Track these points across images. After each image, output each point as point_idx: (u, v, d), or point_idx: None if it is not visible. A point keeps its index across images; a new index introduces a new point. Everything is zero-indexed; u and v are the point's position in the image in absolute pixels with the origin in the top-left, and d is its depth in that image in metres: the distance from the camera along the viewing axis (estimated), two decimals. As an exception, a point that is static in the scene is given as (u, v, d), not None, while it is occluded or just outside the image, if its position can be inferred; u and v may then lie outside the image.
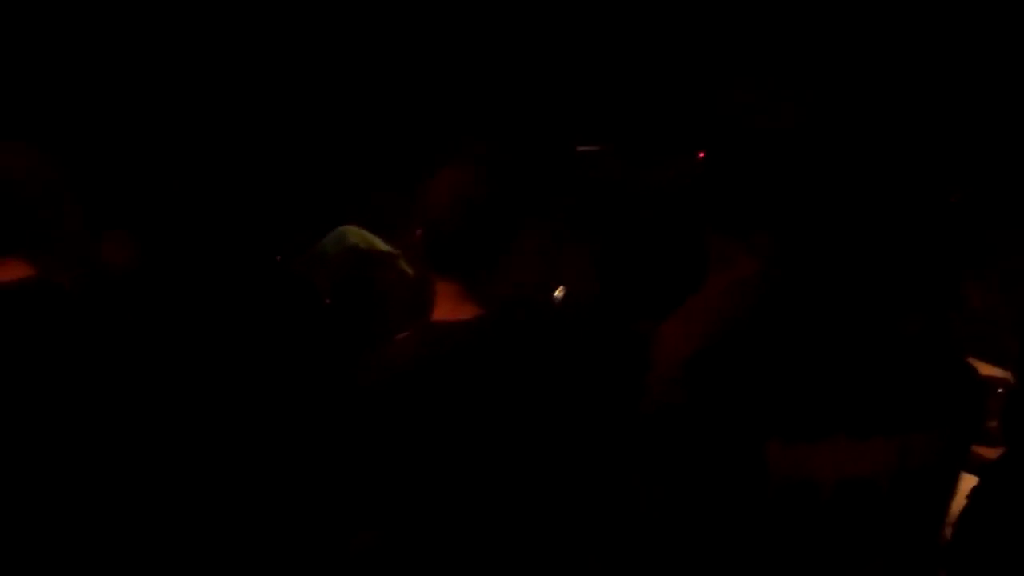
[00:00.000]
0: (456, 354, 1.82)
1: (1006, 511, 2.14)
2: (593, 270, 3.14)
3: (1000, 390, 3.83)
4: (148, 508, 2.16)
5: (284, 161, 4.86)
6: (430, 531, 1.79)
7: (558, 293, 2.99)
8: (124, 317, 2.42)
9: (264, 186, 4.12)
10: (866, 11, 4.83)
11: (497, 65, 5.17)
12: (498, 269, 1.88)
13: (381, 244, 3.93)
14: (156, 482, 2.21)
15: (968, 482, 2.09)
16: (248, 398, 2.84)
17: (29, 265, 2.18)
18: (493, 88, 5.13)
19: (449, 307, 1.88)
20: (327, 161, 5.04)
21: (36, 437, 2.07)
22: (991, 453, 3.20)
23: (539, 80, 5.18)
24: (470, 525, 1.79)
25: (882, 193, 1.84)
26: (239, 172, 3.73)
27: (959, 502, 2.08)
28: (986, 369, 4.47)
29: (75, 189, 2.29)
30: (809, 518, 1.69)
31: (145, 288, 2.95)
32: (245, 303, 3.20)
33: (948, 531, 2.00)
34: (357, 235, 3.97)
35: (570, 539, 1.79)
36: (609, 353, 1.93)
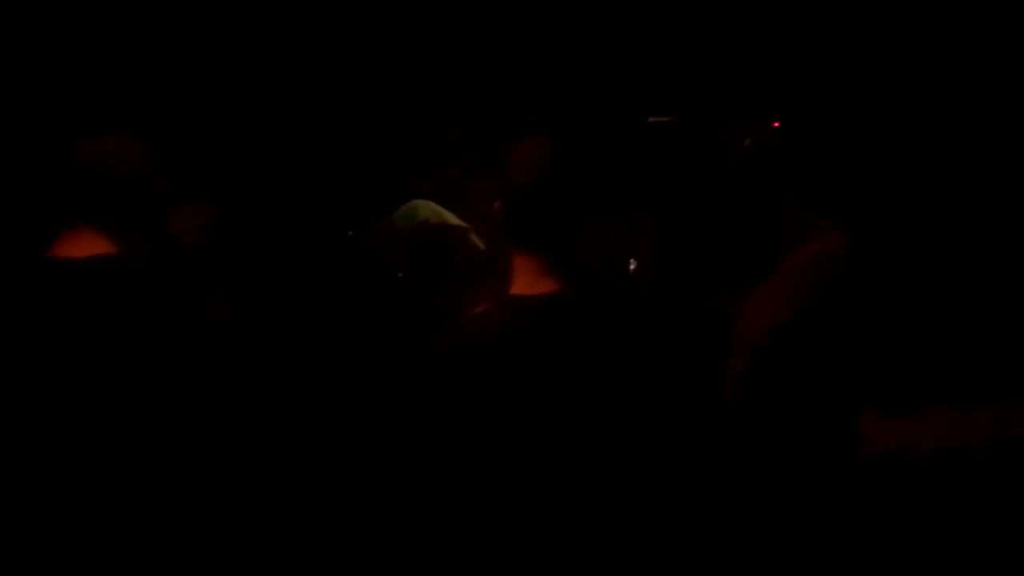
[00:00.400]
0: (534, 329, 1.80)
1: None
2: (666, 243, 3.11)
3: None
4: (213, 478, 2.18)
5: (357, 135, 4.86)
6: (507, 507, 1.77)
7: (631, 266, 2.96)
8: (195, 292, 2.43)
9: (337, 160, 4.13)
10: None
11: (570, 36, 5.13)
12: (578, 243, 1.85)
13: (452, 218, 3.93)
14: (228, 449, 2.22)
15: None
16: (320, 372, 2.85)
17: (101, 239, 2.19)
18: (566, 60, 5.09)
19: (528, 281, 1.86)
20: (399, 134, 5.04)
21: (102, 407, 2.08)
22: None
23: (610, 50, 5.13)
24: (547, 499, 1.77)
25: (970, 154, 1.79)
26: (313, 147, 3.74)
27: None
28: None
29: (159, 166, 2.31)
30: (903, 491, 1.66)
31: (218, 263, 2.97)
32: (317, 277, 3.21)
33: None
34: (428, 209, 3.96)
35: (657, 503, 1.77)
36: (687, 328, 1.91)
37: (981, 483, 1.70)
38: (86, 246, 2.19)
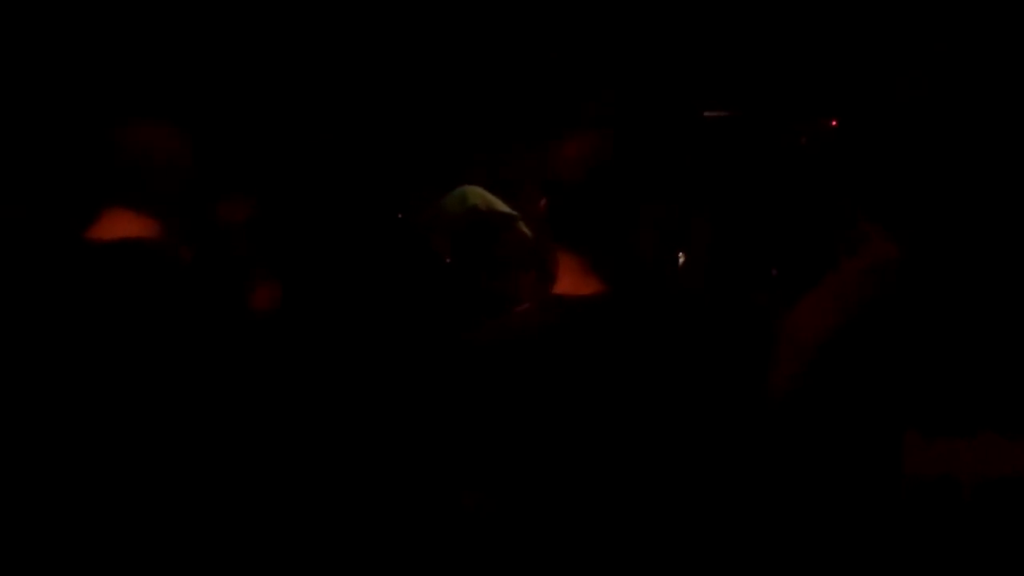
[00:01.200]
0: (578, 330, 1.78)
1: None
2: (716, 240, 3.08)
3: None
4: (252, 460, 2.18)
5: (410, 120, 4.86)
6: (535, 498, 1.76)
7: (680, 263, 2.94)
8: (236, 281, 2.44)
9: (389, 144, 4.14)
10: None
11: (626, 28, 5.10)
12: (624, 242, 1.82)
13: (501, 205, 3.92)
14: (269, 431, 2.23)
15: None
16: (368, 354, 2.86)
17: (139, 223, 2.19)
18: (621, 52, 5.06)
19: (572, 281, 1.83)
20: (450, 120, 5.03)
21: (135, 390, 2.08)
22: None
23: (666, 43, 5.10)
24: (581, 500, 1.76)
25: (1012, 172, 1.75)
26: (366, 131, 3.74)
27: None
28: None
29: (196, 155, 2.31)
30: (947, 518, 1.62)
31: (264, 249, 2.98)
32: (367, 260, 3.21)
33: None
34: (478, 195, 3.95)
35: (682, 524, 1.75)
36: (732, 329, 1.88)
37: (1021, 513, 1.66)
38: (122, 228, 2.20)
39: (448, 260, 3.79)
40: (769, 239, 3.52)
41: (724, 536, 1.72)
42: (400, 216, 3.86)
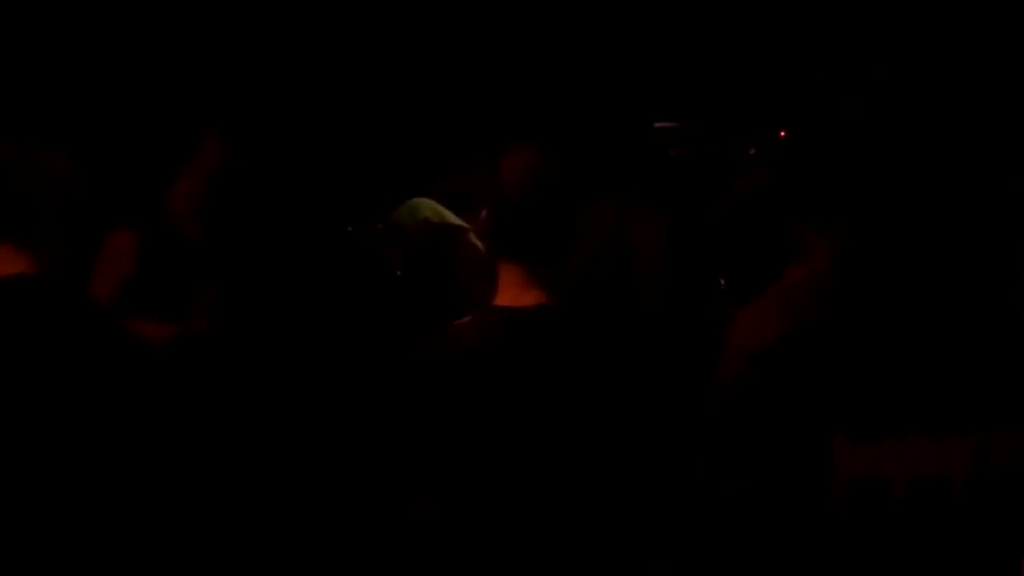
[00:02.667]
0: (517, 342, 1.77)
1: None
2: (667, 250, 3.09)
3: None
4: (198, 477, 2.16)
5: (357, 133, 4.85)
6: (483, 508, 1.75)
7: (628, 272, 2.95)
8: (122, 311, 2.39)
9: (337, 157, 4.12)
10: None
11: (572, 41, 5.12)
12: (566, 254, 1.82)
13: (453, 217, 3.91)
14: (209, 454, 2.21)
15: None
16: (318, 368, 2.84)
17: (20, 258, 2.14)
18: (568, 65, 5.08)
19: (513, 293, 1.83)
20: (400, 133, 5.03)
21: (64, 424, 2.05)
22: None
23: (615, 56, 5.12)
24: (523, 511, 1.75)
25: (961, 180, 1.77)
26: (312, 144, 3.72)
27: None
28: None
29: (86, 185, 2.27)
30: (879, 519, 1.63)
31: (219, 265, 2.95)
32: (317, 274, 3.19)
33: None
34: (430, 208, 3.95)
35: (622, 526, 1.75)
36: (680, 340, 1.89)
37: (958, 513, 1.67)
38: (5, 263, 2.14)
39: (400, 272, 3.78)
40: (719, 249, 3.54)
41: (669, 539, 1.72)
42: (350, 229, 3.84)
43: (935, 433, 1.65)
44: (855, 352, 1.65)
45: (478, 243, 3.74)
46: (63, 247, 2.18)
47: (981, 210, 1.74)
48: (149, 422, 2.08)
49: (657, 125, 4.41)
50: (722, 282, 3.30)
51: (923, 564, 1.67)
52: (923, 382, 1.66)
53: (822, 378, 1.63)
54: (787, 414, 1.61)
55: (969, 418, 1.67)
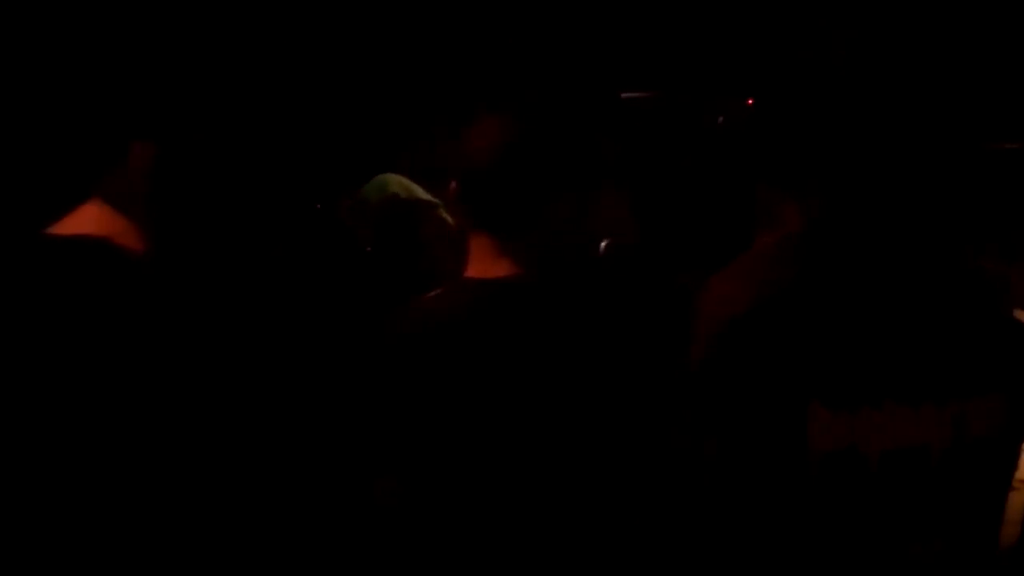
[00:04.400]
0: (490, 314, 1.75)
1: None
2: (636, 220, 3.08)
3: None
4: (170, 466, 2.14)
5: (324, 109, 4.81)
6: (450, 483, 1.74)
7: (603, 245, 2.94)
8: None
9: (304, 133, 4.08)
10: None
11: (541, 9, 5.08)
12: (537, 224, 1.80)
13: (422, 193, 3.89)
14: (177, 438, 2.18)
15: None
16: (283, 347, 2.82)
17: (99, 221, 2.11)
18: (536, 33, 5.05)
19: (484, 264, 1.81)
20: (367, 107, 4.99)
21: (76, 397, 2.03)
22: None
23: (583, 23, 5.09)
24: (493, 490, 1.74)
25: (934, 144, 1.76)
26: (278, 121, 3.69)
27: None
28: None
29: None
30: (855, 490, 1.61)
31: (177, 241, 2.92)
32: (285, 251, 3.17)
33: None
34: (398, 183, 3.92)
35: (596, 505, 1.74)
36: (652, 309, 1.87)
37: (936, 482, 1.66)
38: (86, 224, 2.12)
39: (369, 249, 3.75)
40: (690, 218, 3.53)
41: (640, 514, 1.71)
42: (318, 206, 3.81)
43: (911, 402, 1.63)
44: (829, 319, 1.64)
45: (448, 217, 3.72)
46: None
47: (956, 171, 1.73)
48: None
49: (624, 95, 4.39)
50: (695, 250, 3.29)
51: (900, 535, 1.66)
52: (898, 350, 1.64)
53: (794, 346, 1.61)
54: (759, 383, 1.59)
55: (946, 386, 1.66)
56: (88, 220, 2.08)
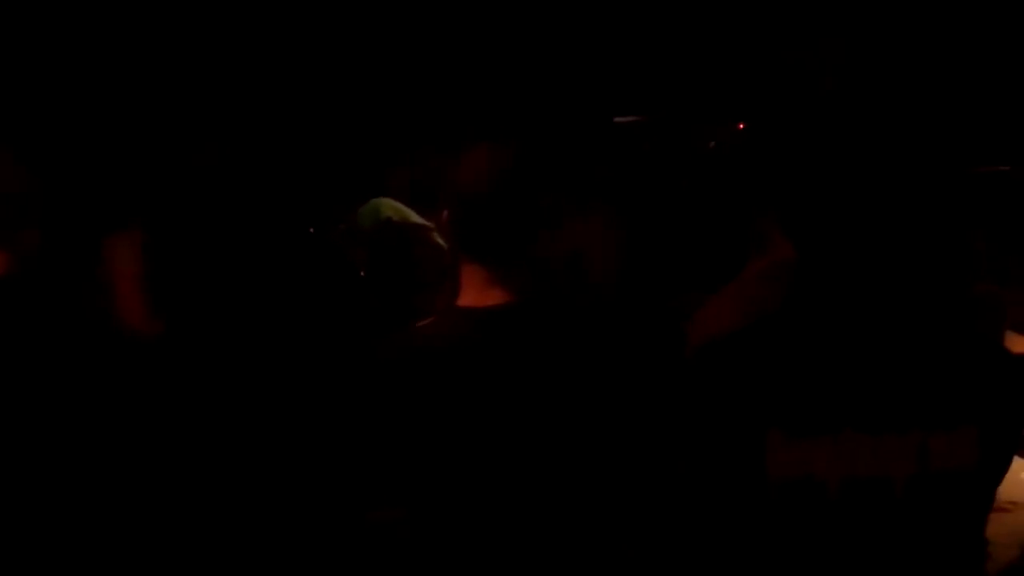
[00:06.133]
0: (482, 342, 1.76)
1: None
2: (628, 246, 3.09)
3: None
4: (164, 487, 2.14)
5: (318, 134, 4.82)
6: (451, 511, 1.74)
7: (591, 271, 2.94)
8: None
9: (298, 158, 4.09)
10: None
11: (534, 36, 5.11)
12: (529, 254, 1.80)
13: (415, 217, 3.90)
14: (173, 459, 2.19)
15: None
16: (281, 372, 2.82)
17: None
18: (530, 59, 5.07)
19: (476, 293, 1.81)
20: (361, 133, 5.00)
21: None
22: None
23: (577, 50, 5.12)
24: (488, 513, 1.75)
25: (923, 169, 1.77)
26: (273, 145, 3.70)
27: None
28: (1031, 346, 4.38)
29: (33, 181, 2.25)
30: (812, 518, 1.61)
31: (178, 263, 2.93)
32: (280, 275, 3.18)
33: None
34: (391, 208, 3.93)
35: (580, 528, 1.74)
36: (644, 335, 1.88)
37: (900, 514, 1.65)
38: None
39: (363, 273, 3.76)
40: (682, 243, 3.54)
41: (615, 536, 1.71)
42: (312, 230, 3.82)
43: (871, 431, 1.63)
44: (793, 347, 1.64)
45: (441, 242, 3.73)
46: (27, 247, 2.17)
47: (937, 202, 1.74)
48: (117, 420, 2.07)
49: (617, 119, 4.41)
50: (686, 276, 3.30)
51: (864, 563, 1.66)
52: (861, 379, 1.64)
53: (759, 372, 1.61)
54: (724, 408, 1.59)
55: (909, 417, 1.65)
56: None
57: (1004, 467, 1.76)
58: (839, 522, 1.62)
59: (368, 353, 1.83)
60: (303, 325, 3.07)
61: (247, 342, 2.84)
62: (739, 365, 1.62)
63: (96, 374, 2.11)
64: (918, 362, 1.67)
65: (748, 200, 2.17)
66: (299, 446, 2.48)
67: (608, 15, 5.13)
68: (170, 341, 2.59)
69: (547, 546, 1.73)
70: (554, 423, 1.74)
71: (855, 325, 1.66)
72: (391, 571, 1.79)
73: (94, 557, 2.05)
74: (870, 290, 1.66)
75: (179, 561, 2.15)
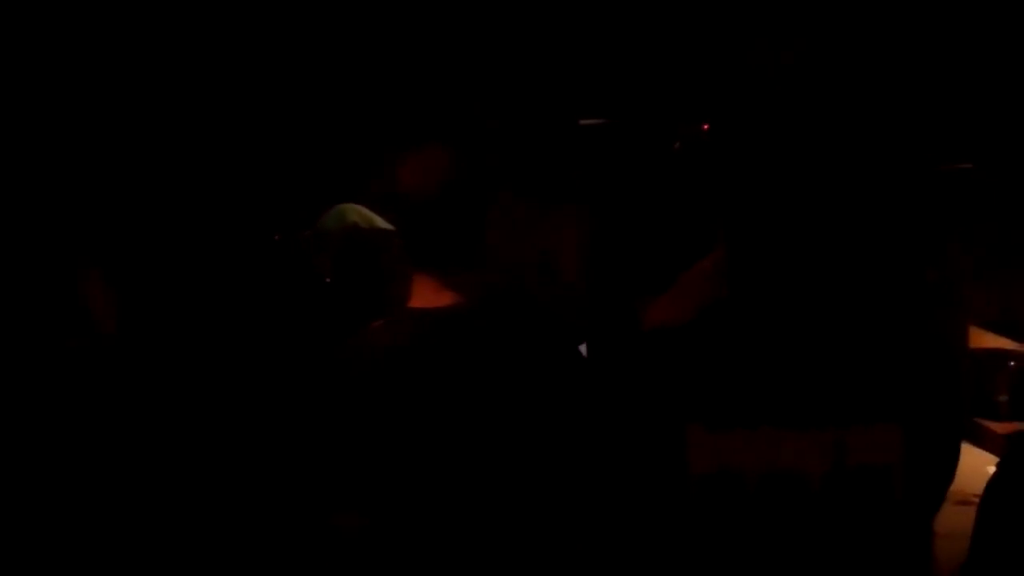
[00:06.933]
0: (433, 343, 1.76)
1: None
2: (588, 246, 3.10)
3: (1011, 363, 3.78)
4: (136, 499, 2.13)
5: (282, 139, 4.81)
6: (411, 514, 1.74)
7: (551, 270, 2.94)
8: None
9: (263, 164, 4.08)
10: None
11: (499, 40, 5.11)
12: (476, 255, 1.81)
13: (381, 222, 3.88)
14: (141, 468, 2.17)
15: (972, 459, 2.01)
16: (247, 379, 2.81)
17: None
18: (495, 61, 5.07)
19: (427, 295, 1.81)
20: (325, 138, 4.99)
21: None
22: (999, 428, 3.13)
23: (541, 52, 5.12)
24: (449, 513, 1.75)
25: (883, 166, 1.78)
26: (236, 152, 3.69)
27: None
28: (996, 341, 4.42)
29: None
30: (732, 510, 1.64)
31: (142, 270, 2.92)
32: (245, 282, 3.17)
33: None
34: (357, 213, 3.92)
35: (541, 530, 1.75)
36: (602, 331, 1.89)
37: (818, 508, 1.68)
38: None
39: (329, 279, 3.75)
40: (647, 242, 3.55)
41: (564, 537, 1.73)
42: (277, 237, 3.80)
43: (789, 427, 1.65)
44: (715, 342, 1.67)
45: (406, 247, 3.72)
46: None
47: (887, 199, 1.75)
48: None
49: (582, 122, 4.42)
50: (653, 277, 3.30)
51: (782, 556, 1.68)
52: (781, 375, 1.67)
53: (678, 368, 1.64)
54: (645, 403, 1.62)
55: (827, 413, 1.67)
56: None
57: (948, 464, 1.77)
58: (758, 515, 1.65)
59: (324, 356, 1.82)
60: (267, 331, 3.06)
61: (211, 347, 2.83)
62: (661, 360, 1.65)
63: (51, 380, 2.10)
64: (839, 360, 1.69)
65: (710, 198, 2.17)
66: (260, 452, 2.47)
67: (572, 18, 5.14)
68: (135, 345, 2.58)
69: (498, 543, 1.73)
70: (501, 424, 1.74)
71: (778, 322, 1.68)
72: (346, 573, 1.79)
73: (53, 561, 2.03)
74: (796, 287, 1.68)
75: (137, 564, 2.14)
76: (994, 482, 2.13)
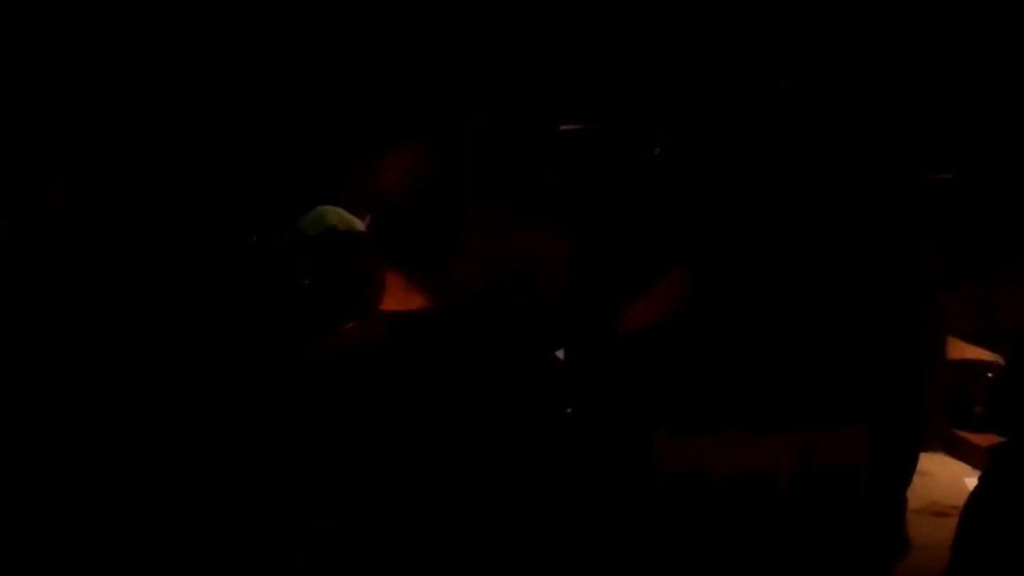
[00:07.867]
0: (404, 345, 1.74)
1: (1011, 508, 2.06)
2: (566, 250, 3.09)
3: (989, 374, 3.79)
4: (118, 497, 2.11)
5: (261, 141, 4.79)
6: (384, 518, 1.73)
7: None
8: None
9: (241, 168, 4.06)
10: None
11: (481, 46, 5.10)
12: (449, 258, 1.79)
13: (359, 224, 3.87)
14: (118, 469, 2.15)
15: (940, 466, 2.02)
16: (224, 380, 2.79)
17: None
18: (478, 65, 5.06)
19: (398, 297, 1.80)
20: (304, 141, 4.97)
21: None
22: (978, 439, 3.13)
23: (522, 58, 5.11)
24: (422, 516, 1.73)
25: (839, 182, 1.79)
26: (216, 155, 3.67)
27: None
28: (974, 352, 4.42)
29: None
30: (699, 512, 1.66)
31: (125, 268, 2.89)
32: (224, 284, 3.15)
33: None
34: (335, 215, 3.91)
35: (518, 529, 1.74)
36: (591, 339, 1.88)
37: (786, 509, 1.69)
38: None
39: (307, 281, 3.73)
40: (626, 248, 3.53)
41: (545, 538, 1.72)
42: (255, 239, 3.79)
43: (755, 430, 1.68)
44: (684, 348, 1.69)
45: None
46: None
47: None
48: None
49: (563, 128, 4.41)
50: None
51: (752, 556, 1.69)
52: (747, 380, 1.69)
53: (646, 374, 1.67)
54: (614, 408, 1.64)
55: (792, 416, 1.69)
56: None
57: (907, 466, 1.79)
58: (727, 515, 1.67)
59: (297, 357, 1.81)
60: (244, 333, 3.04)
61: (187, 348, 2.80)
62: (633, 365, 1.67)
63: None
64: (806, 364, 1.71)
65: (689, 205, 2.16)
66: (234, 453, 2.45)
67: (553, 24, 5.14)
68: (115, 343, 2.56)
69: (471, 545, 1.72)
70: (474, 426, 1.73)
71: (743, 329, 1.70)
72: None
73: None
74: (765, 294, 1.70)
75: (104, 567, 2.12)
76: (976, 495, 2.13)
